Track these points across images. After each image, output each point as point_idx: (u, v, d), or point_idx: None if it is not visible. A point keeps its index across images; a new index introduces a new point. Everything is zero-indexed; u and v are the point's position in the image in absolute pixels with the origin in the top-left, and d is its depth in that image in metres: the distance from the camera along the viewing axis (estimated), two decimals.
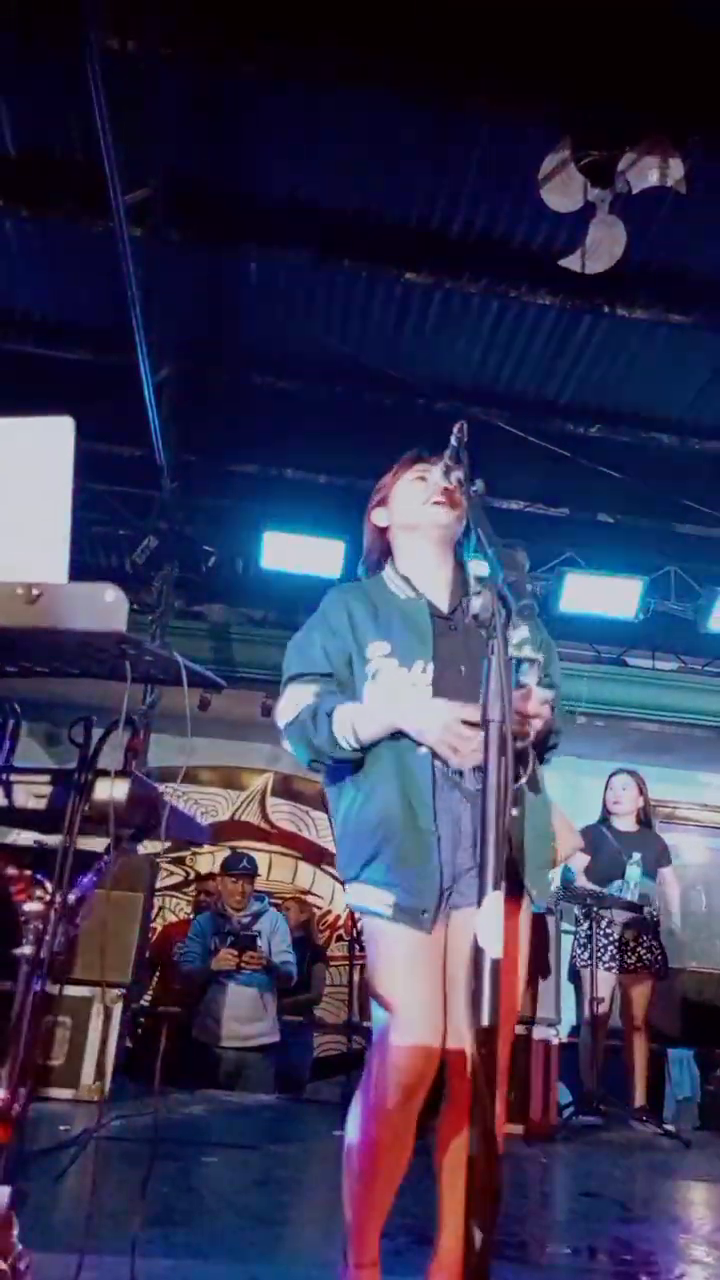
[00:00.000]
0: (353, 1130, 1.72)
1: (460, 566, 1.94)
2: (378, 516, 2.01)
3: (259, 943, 4.90)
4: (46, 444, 1.34)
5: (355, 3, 3.85)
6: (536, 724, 1.63)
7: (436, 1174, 1.75)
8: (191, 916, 6.42)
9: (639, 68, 4.02)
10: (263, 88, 4.22)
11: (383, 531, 2.01)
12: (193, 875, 7.39)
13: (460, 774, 1.73)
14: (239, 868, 5.15)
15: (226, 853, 5.82)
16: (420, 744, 1.72)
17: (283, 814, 8.15)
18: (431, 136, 4.39)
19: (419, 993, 1.69)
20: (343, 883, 1.84)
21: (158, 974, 5.85)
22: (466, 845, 1.71)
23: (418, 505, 1.91)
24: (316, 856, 7.90)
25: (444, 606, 1.89)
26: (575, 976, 4.97)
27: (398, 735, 1.74)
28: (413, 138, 4.41)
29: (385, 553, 2.01)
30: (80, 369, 5.71)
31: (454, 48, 3.98)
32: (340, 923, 7.21)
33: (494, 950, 1.32)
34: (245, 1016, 4.81)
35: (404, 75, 4.11)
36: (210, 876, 6.47)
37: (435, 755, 1.72)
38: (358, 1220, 1.70)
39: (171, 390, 5.67)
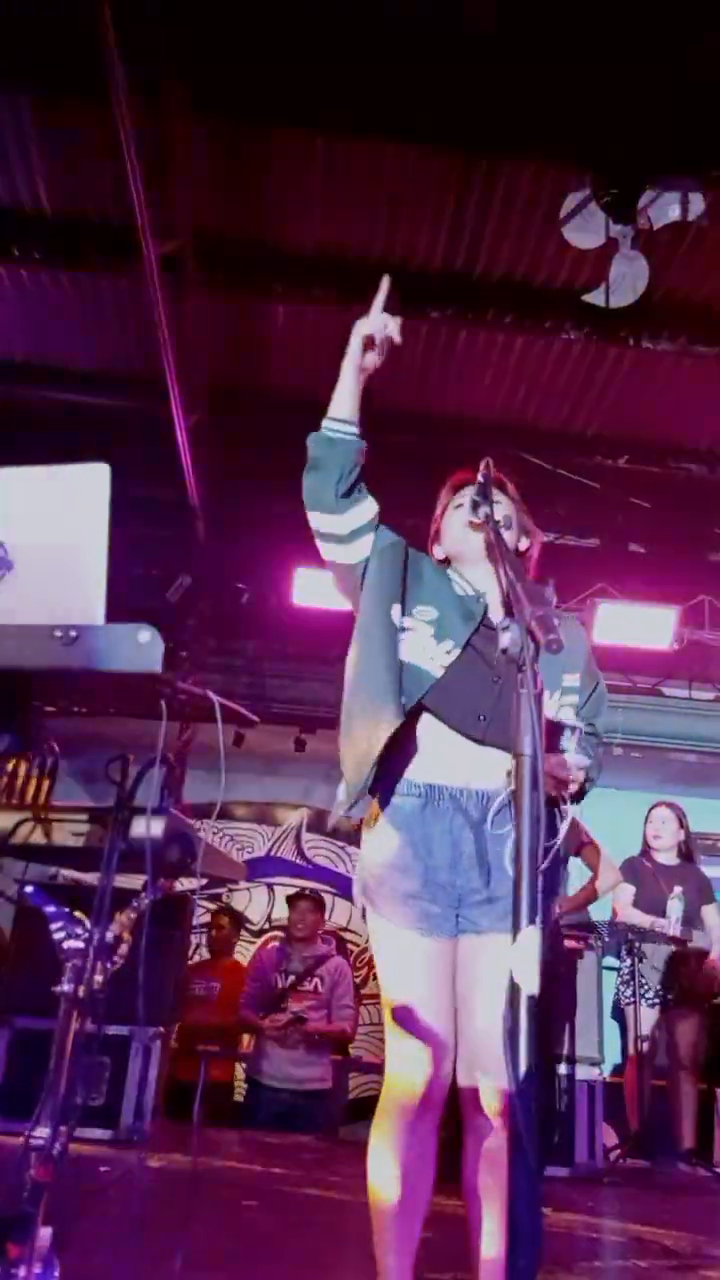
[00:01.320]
0: (371, 1158, 1.72)
1: None
2: (436, 553, 2.03)
3: (316, 986, 4.89)
4: (83, 490, 1.38)
5: (372, 51, 3.95)
6: (572, 788, 1.69)
7: (466, 1214, 1.73)
8: (208, 955, 6.39)
9: (657, 104, 4.08)
10: (285, 139, 4.34)
11: (444, 564, 2.03)
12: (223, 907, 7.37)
13: (461, 794, 1.74)
14: (304, 894, 5.22)
15: (262, 889, 5.83)
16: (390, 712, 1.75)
17: (318, 849, 8.12)
18: (453, 178, 4.47)
19: (413, 994, 1.70)
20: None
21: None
22: (468, 868, 1.72)
23: (460, 531, 1.93)
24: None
25: (495, 618, 1.89)
26: (619, 1014, 4.87)
27: (378, 685, 1.78)
28: (434, 180, 4.50)
29: None
30: (115, 415, 5.84)
31: (472, 91, 4.06)
32: None
33: (530, 987, 1.31)
34: (299, 1059, 4.78)
35: (423, 119, 4.21)
36: (221, 914, 6.46)
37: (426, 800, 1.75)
38: (383, 1251, 1.69)
39: (204, 434, 5.77)
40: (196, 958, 6.80)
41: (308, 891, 5.28)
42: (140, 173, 3.79)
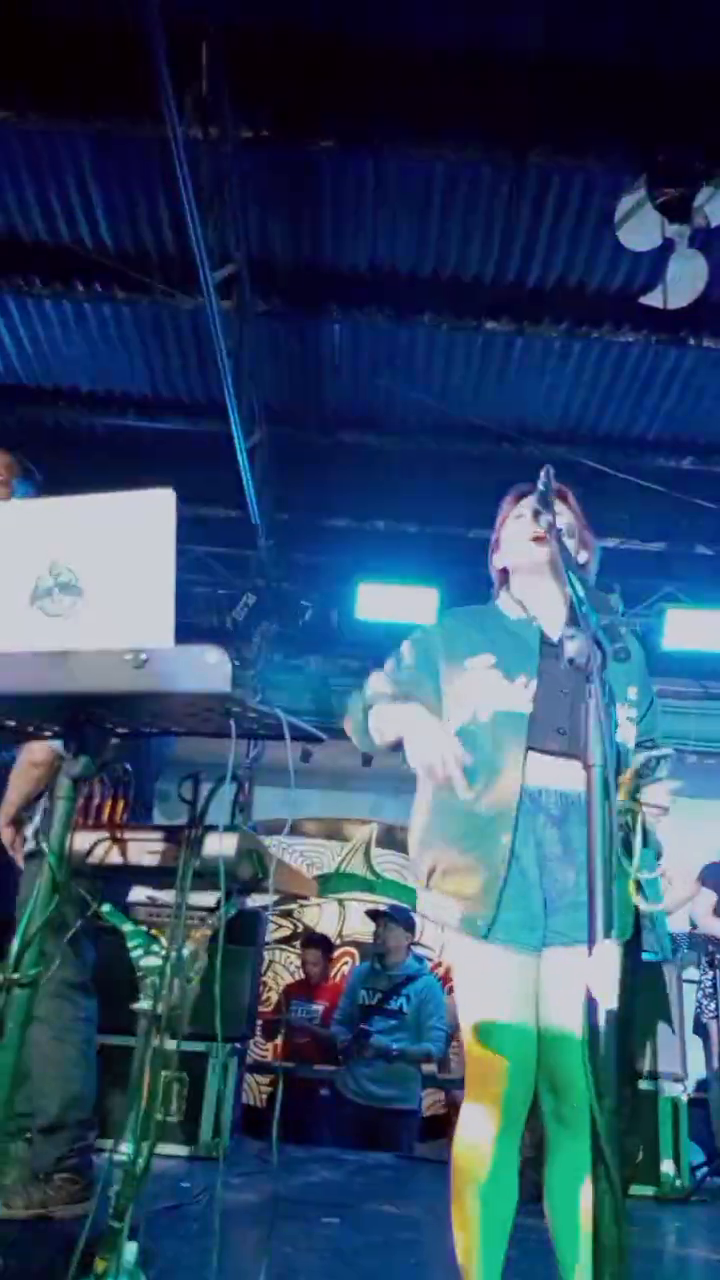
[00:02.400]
0: (454, 1176, 1.71)
1: None
2: (496, 562, 2.04)
3: (401, 1006, 4.88)
4: (150, 516, 1.41)
5: (419, 66, 3.98)
6: (662, 815, 1.71)
7: (551, 1233, 1.70)
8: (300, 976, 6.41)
9: (710, 100, 4.03)
10: (336, 159, 4.39)
11: (503, 573, 2.03)
12: (300, 928, 7.38)
13: (540, 794, 1.72)
14: (386, 911, 5.21)
15: (332, 905, 5.84)
16: (509, 761, 1.73)
17: (388, 864, 8.10)
18: (504, 186, 4.46)
19: (495, 1010, 1.68)
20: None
21: (282, 1034, 5.85)
22: (553, 870, 1.70)
23: (521, 544, 1.92)
24: None
25: (554, 633, 1.88)
26: (701, 1029, 4.75)
27: (472, 748, 1.74)
28: (485, 189, 4.50)
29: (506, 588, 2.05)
30: (177, 438, 5.97)
31: (520, 97, 4.06)
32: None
33: (609, 1001, 1.30)
34: (377, 1078, 4.77)
35: (472, 130, 4.21)
36: (308, 947, 6.45)
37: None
38: (468, 1271, 1.67)
39: (264, 453, 5.85)
40: (271, 976, 6.83)
41: (387, 909, 5.25)
42: (195, 202, 3.88)
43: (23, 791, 2.61)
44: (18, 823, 2.64)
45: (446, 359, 5.48)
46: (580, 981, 1.62)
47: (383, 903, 6.32)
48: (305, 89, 4.09)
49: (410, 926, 5.21)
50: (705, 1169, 4.22)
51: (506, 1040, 1.67)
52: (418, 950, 5.61)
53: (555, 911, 1.69)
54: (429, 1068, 5.64)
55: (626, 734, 1.80)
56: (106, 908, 1.59)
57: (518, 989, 1.69)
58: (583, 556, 1.98)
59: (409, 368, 5.55)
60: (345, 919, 7.77)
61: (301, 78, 4.06)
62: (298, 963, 6.97)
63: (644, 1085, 3.95)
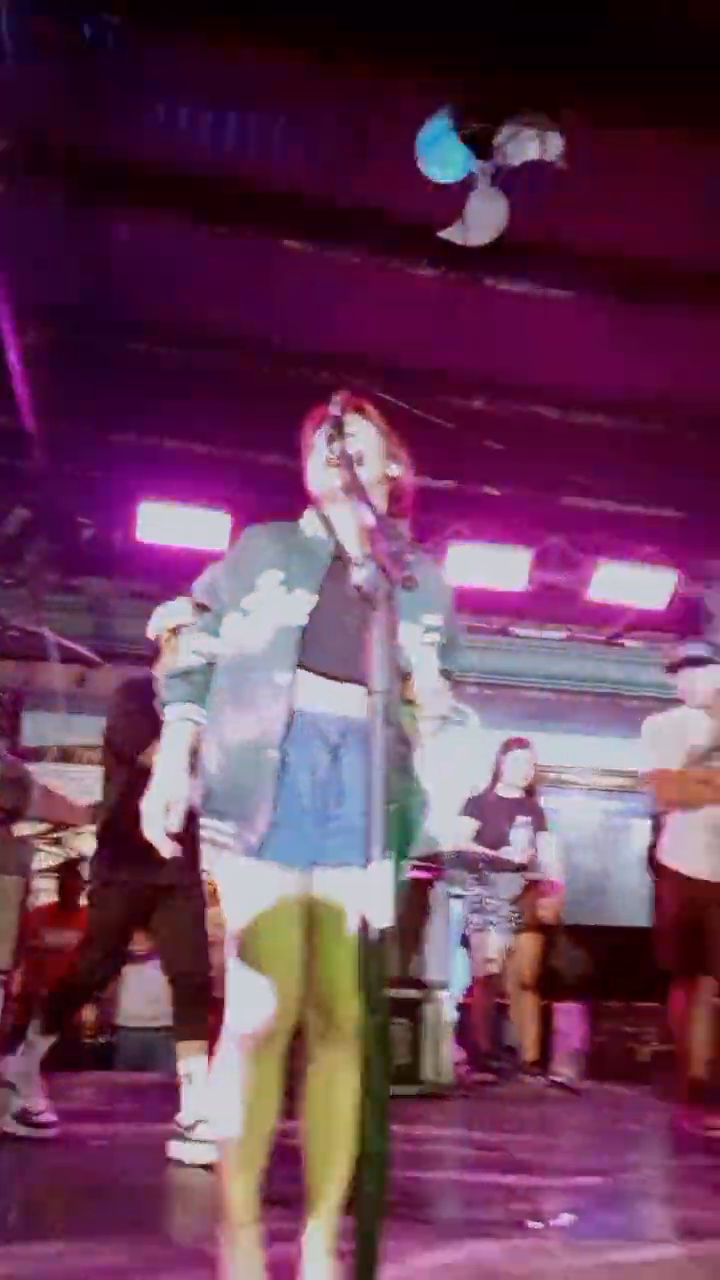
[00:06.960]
0: (215, 1090, 1.72)
1: None
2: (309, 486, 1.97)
3: None
4: None
5: None
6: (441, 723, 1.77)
7: (303, 1134, 1.75)
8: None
9: (516, 35, 4.01)
10: (131, 43, 4.03)
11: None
12: (76, 855, 7.16)
13: (320, 719, 1.72)
14: None
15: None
16: (277, 678, 1.72)
17: None
18: (305, 99, 4.28)
19: (263, 926, 1.69)
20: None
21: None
22: (325, 794, 1.71)
23: (317, 471, 1.88)
24: None
25: (354, 553, 1.84)
26: (466, 941, 5.09)
27: (248, 668, 1.75)
28: (286, 99, 4.30)
29: None
30: None
31: (325, 6, 3.87)
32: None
33: (382, 920, 1.33)
34: (152, 997, 4.75)
35: (275, 31, 3.98)
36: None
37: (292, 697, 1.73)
38: (231, 1176, 1.69)
39: (39, 356, 5.42)
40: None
41: None
42: None
43: None
44: None
45: (242, 274, 5.26)
46: (350, 900, 1.65)
47: None
48: None
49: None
50: (467, 1067, 4.57)
51: (274, 956, 1.68)
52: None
53: (327, 835, 1.70)
54: None
55: (426, 654, 1.80)
56: None
57: (284, 906, 1.69)
58: (394, 470, 1.94)
59: (202, 279, 5.29)
60: None
61: None
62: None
63: (412, 993, 4.19)
